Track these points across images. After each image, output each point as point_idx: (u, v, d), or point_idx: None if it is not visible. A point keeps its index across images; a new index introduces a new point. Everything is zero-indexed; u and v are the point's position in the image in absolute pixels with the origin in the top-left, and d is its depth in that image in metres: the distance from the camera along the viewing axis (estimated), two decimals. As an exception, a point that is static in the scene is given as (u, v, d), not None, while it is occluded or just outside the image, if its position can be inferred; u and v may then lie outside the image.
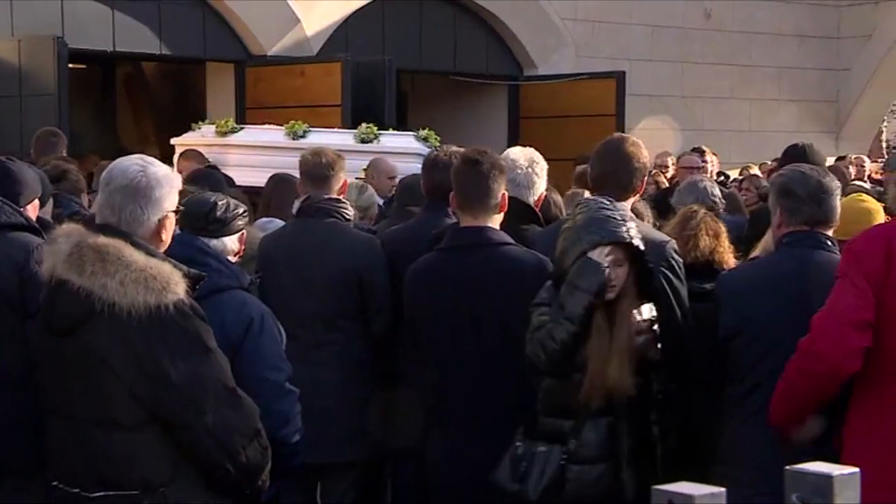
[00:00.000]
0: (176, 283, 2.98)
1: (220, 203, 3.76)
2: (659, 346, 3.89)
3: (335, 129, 9.48)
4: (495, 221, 4.17)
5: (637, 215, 4.85)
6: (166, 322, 2.96)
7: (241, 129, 9.21)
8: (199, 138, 9.14)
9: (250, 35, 12.05)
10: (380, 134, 8.86)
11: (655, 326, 3.89)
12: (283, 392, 3.60)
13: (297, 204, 5.33)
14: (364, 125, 9.05)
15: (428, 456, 4.26)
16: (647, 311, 3.91)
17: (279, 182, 6.40)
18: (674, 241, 4.35)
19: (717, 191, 6.46)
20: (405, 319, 4.43)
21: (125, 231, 3.10)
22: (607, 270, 3.74)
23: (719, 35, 14.96)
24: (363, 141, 8.83)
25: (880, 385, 3.52)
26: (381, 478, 5.56)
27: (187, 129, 9.49)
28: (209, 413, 3.00)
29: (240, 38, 12.10)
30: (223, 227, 3.73)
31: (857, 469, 1.41)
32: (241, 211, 3.82)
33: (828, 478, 1.38)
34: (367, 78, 10.88)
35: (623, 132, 11.46)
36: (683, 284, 4.17)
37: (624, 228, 3.78)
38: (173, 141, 9.35)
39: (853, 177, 9.81)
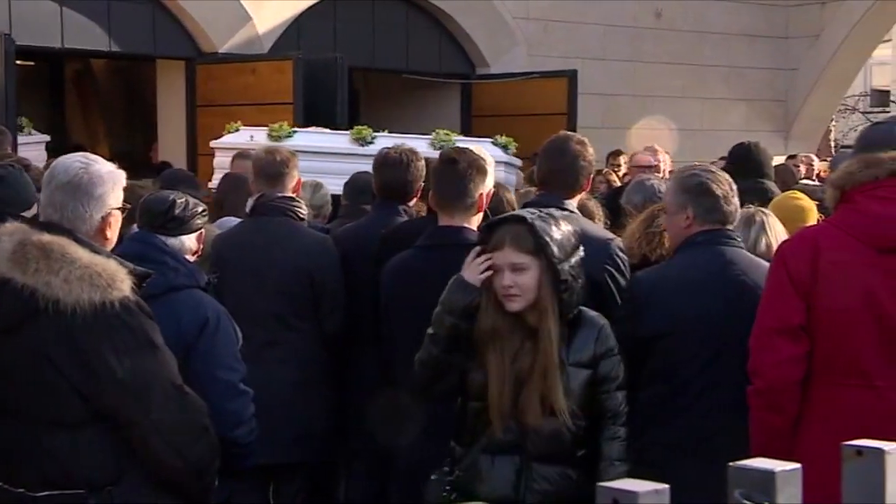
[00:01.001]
0: (121, 281, 2.96)
1: (178, 202, 3.76)
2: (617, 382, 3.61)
3: (407, 135, 9.06)
4: (473, 221, 4.15)
5: (587, 214, 4.88)
6: (111, 319, 2.94)
7: (296, 132, 8.99)
8: (247, 142, 8.80)
9: (201, 32, 11.96)
10: (457, 140, 8.63)
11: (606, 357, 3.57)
12: (236, 392, 3.58)
13: (250, 202, 5.30)
14: (440, 131, 8.85)
15: (404, 460, 4.21)
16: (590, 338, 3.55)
17: (233, 181, 6.36)
18: (619, 239, 4.38)
19: (664, 188, 6.50)
20: (381, 317, 4.39)
21: (69, 228, 3.07)
22: (482, 277, 3.46)
23: (671, 34, 15.05)
24: (440, 148, 8.70)
25: (808, 387, 3.55)
26: (334, 478, 5.55)
27: (137, 127, 9.43)
28: (155, 410, 2.99)
29: (190, 35, 12.01)
30: (181, 225, 3.73)
31: (798, 465, 1.42)
32: (199, 210, 3.82)
33: (770, 474, 1.38)
34: (319, 76, 10.84)
35: (575, 131, 11.52)
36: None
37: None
38: (213, 143, 9.16)
39: (803, 175, 9.91)
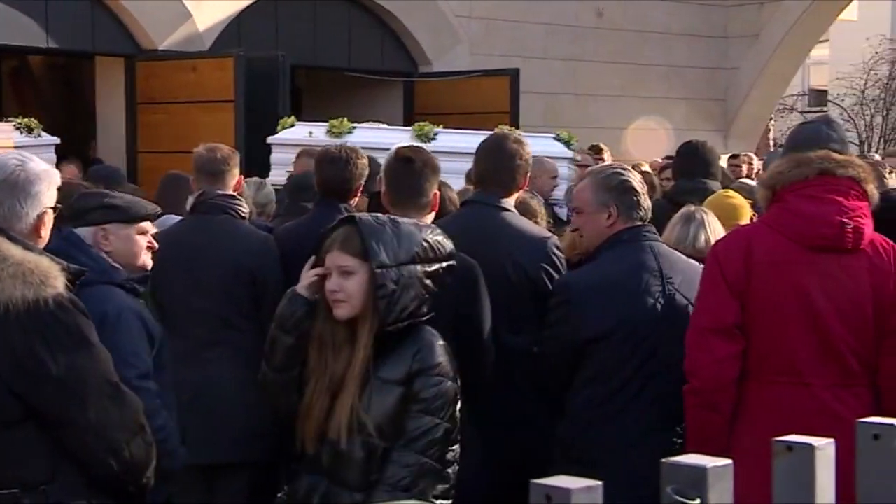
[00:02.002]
0: (55, 278, 2.94)
1: (81, 195, 3.74)
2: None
3: (467, 130, 8.93)
4: (426, 220, 4.12)
5: (529, 212, 4.90)
6: (45, 317, 2.91)
7: (356, 128, 8.87)
8: (305, 138, 8.73)
9: (140, 29, 11.86)
10: (520, 136, 8.59)
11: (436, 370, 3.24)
12: (130, 388, 3.53)
13: (190, 200, 5.26)
14: (504, 126, 8.69)
15: None
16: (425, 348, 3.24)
17: (172, 179, 6.31)
18: (556, 237, 4.41)
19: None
20: None
21: (1, 226, 3.04)
22: (307, 283, 3.30)
23: (612, 34, 15.14)
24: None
25: (743, 385, 3.59)
26: (276, 478, 5.52)
27: (76, 124, 9.32)
28: (91, 408, 2.96)
29: (130, 32, 11.90)
30: (78, 218, 3.70)
31: (730, 461, 1.44)
32: (96, 204, 3.78)
33: (702, 470, 1.40)
34: (261, 74, 10.79)
35: (518, 129, 11.55)
36: None
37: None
38: (270, 139, 9.02)
39: (744, 174, 10.01)
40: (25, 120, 9.18)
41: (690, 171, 6.26)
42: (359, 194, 5.23)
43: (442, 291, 3.29)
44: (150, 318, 3.76)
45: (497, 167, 4.39)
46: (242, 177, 5.51)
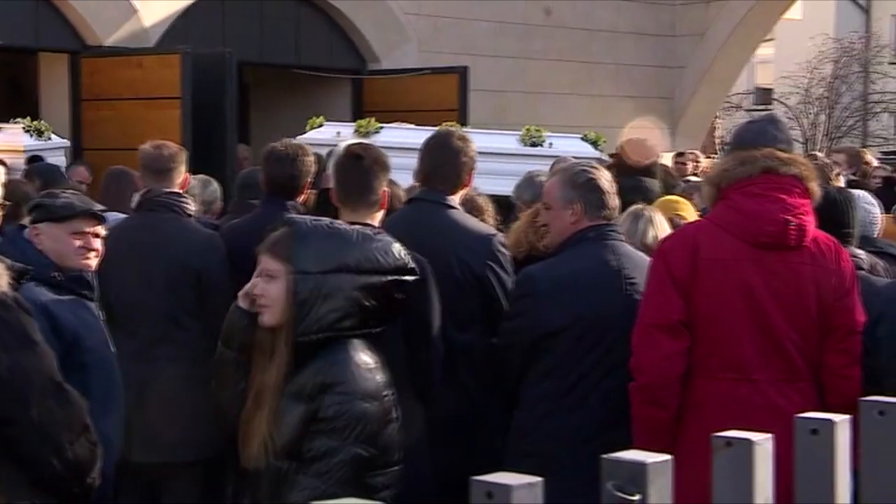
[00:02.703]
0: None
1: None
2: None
3: (492, 131, 8.89)
4: (376, 218, 4.12)
5: (476, 209, 4.91)
6: None
7: (383, 128, 8.84)
8: (333, 138, 8.59)
9: (85, 25, 11.73)
10: (548, 137, 8.55)
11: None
12: None
13: (136, 198, 5.23)
14: (531, 127, 8.72)
15: None
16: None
17: (115, 176, 6.26)
18: (501, 234, 4.42)
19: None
20: None
21: None
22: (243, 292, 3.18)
23: (560, 32, 15.18)
24: (532, 144, 8.60)
25: (689, 382, 3.62)
26: (223, 478, 5.49)
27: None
28: (35, 408, 2.93)
29: (74, 27, 11.77)
30: None
31: (669, 457, 1.45)
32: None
33: (641, 465, 1.41)
34: (208, 70, 10.71)
35: (466, 127, 11.55)
36: (510, 276, 4.23)
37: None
38: (298, 139, 8.95)
39: (689, 172, 10.07)
40: (35, 122, 8.99)
41: (627, 169, 6.31)
42: (306, 192, 5.21)
43: (383, 306, 3.07)
44: (70, 316, 3.71)
45: (442, 164, 4.40)
46: (189, 174, 5.48)
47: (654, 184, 6.21)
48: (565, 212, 4.05)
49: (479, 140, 8.35)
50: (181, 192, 5.22)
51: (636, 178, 6.10)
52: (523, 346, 4.00)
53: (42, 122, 9.01)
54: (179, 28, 12.23)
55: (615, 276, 3.96)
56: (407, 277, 3.11)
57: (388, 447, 3.06)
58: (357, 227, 3.31)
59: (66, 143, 9.09)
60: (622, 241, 4.08)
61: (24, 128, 8.75)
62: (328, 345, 3.05)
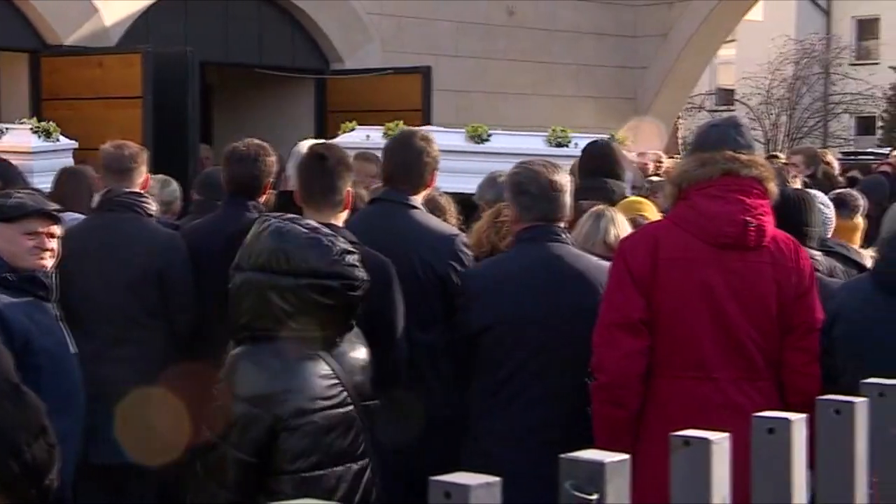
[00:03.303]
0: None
1: None
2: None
3: (522, 133, 8.83)
4: (339, 218, 4.12)
5: (438, 209, 4.91)
6: None
7: None
8: (363, 141, 8.64)
9: (45, 24, 11.63)
10: (573, 137, 8.45)
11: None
12: None
13: (97, 197, 5.20)
14: (557, 127, 8.65)
15: None
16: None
17: (70, 175, 6.21)
18: (463, 234, 4.43)
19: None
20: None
21: None
22: None
23: (522, 32, 15.21)
24: (558, 145, 8.52)
25: (650, 381, 3.64)
26: (181, 479, 5.47)
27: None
28: None
29: (34, 27, 11.67)
30: None
31: (627, 456, 1.45)
32: None
33: (599, 465, 1.41)
34: (170, 70, 10.64)
35: (430, 126, 11.53)
36: None
37: None
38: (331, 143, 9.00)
39: (651, 172, 10.10)
40: (42, 123, 8.86)
41: (593, 170, 6.31)
42: (267, 191, 5.20)
43: (309, 310, 3.01)
44: (23, 318, 3.67)
45: (404, 164, 4.40)
46: (150, 175, 5.45)
47: (620, 185, 6.22)
48: (511, 213, 4.14)
49: (505, 141, 8.52)
50: (142, 192, 5.19)
51: (600, 180, 6.11)
52: (462, 343, 4.08)
53: (51, 122, 8.87)
54: (140, 27, 12.16)
55: (540, 278, 3.99)
56: (329, 282, 3.01)
57: (291, 452, 3.03)
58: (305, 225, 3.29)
59: (75, 143, 8.97)
60: (560, 241, 4.07)
61: (31, 129, 8.63)
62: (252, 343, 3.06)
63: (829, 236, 4.96)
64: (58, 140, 8.76)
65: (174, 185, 6.36)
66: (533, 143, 8.40)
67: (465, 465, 3.93)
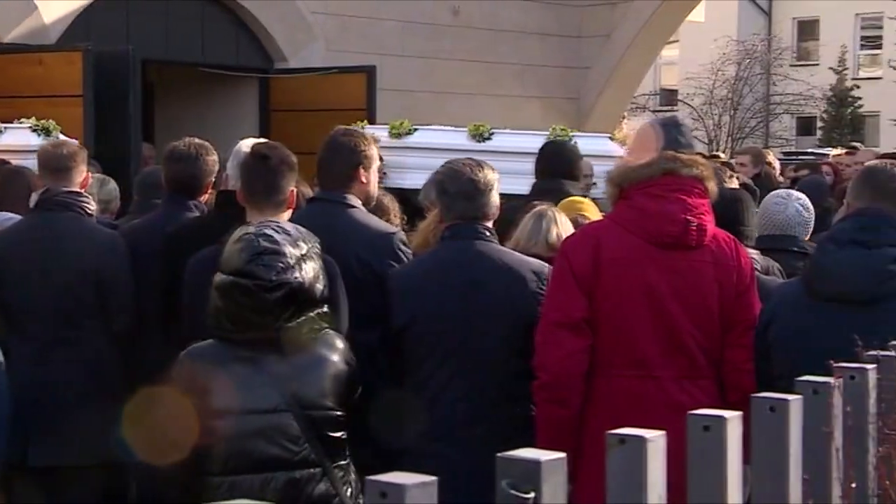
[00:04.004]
0: None
1: None
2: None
3: (524, 131, 8.87)
4: (282, 217, 4.08)
5: (381, 209, 4.90)
6: None
7: (416, 129, 8.87)
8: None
9: (-17, 21, 11.49)
10: (573, 135, 8.37)
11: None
12: None
13: (34, 197, 5.13)
14: (556, 126, 8.63)
15: None
16: None
17: (8, 174, 6.12)
18: (402, 233, 4.42)
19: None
20: (184, 313, 4.22)
21: None
22: None
23: (467, 32, 15.23)
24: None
25: (592, 379, 3.65)
26: (125, 480, 5.42)
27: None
28: None
29: (-28, 24, 11.53)
30: None
31: (563, 454, 1.46)
32: None
33: (535, 463, 1.41)
34: (111, 68, 10.54)
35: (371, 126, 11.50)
36: None
37: None
38: None
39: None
40: (42, 122, 8.69)
41: (550, 171, 6.32)
42: (208, 191, 5.16)
43: (234, 310, 3.09)
44: None
45: (335, 161, 4.38)
46: (90, 174, 5.40)
47: (577, 186, 6.23)
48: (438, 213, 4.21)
49: (507, 140, 8.55)
50: (81, 191, 5.14)
51: (557, 181, 6.11)
52: (387, 342, 4.12)
53: (51, 120, 8.70)
54: (81, 25, 12.04)
55: (460, 275, 4.02)
56: (243, 281, 3.05)
57: (209, 454, 3.07)
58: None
59: (75, 143, 8.85)
60: (483, 240, 4.08)
61: (30, 127, 8.49)
62: None
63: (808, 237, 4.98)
64: (58, 138, 8.63)
65: (112, 185, 6.30)
66: (535, 143, 8.46)
67: (398, 463, 3.96)
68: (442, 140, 8.73)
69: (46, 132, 8.43)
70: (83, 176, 5.24)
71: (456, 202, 4.07)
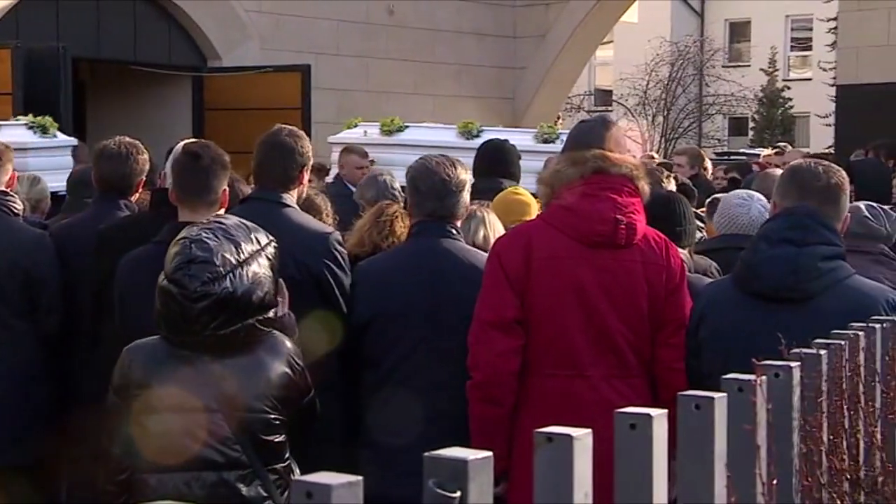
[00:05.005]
0: None
1: None
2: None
3: (517, 129, 9.18)
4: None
5: (314, 208, 4.88)
6: None
7: (407, 127, 8.99)
8: (360, 137, 8.92)
9: (-90, 18, 11.30)
10: (562, 133, 8.39)
11: None
12: None
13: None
14: (544, 124, 8.70)
15: None
16: None
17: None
18: (337, 232, 4.42)
19: (396, 184, 6.57)
20: (117, 312, 4.17)
21: None
22: None
23: (403, 31, 15.24)
24: (545, 141, 8.53)
25: (525, 379, 3.67)
26: (55, 481, 5.36)
27: None
28: None
29: None
30: None
31: (490, 453, 1.46)
32: None
33: (462, 462, 1.41)
34: (41, 65, 10.43)
35: (309, 125, 11.50)
36: (347, 275, 4.24)
37: None
38: (330, 139, 9.23)
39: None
40: (39, 118, 8.40)
41: (489, 170, 6.33)
42: (140, 190, 5.12)
43: (164, 312, 3.09)
44: None
45: (273, 161, 4.36)
46: (16, 172, 5.33)
47: (513, 185, 6.24)
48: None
49: (494, 137, 8.63)
50: (7, 190, 5.08)
51: (496, 180, 6.12)
52: (353, 336, 4.12)
53: (47, 118, 8.50)
54: (10, 23, 11.88)
55: (421, 271, 4.05)
56: (169, 287, 3.03)
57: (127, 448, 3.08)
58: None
59: (74, 140, 8.65)
60: (447, 237, 4.12)
61: (27, 125, 8.30)
62: None
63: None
64: (55, 136, 8.47)
65: (43, 184, 6.23)
66: (522, 140, 8.56)
67: (353, 459, 3.96)
68: (432, 137, 8.96)
69: (43, 130, 8.28)
70: (9, 175, 5.17)
71: (426, 200, 4.10)
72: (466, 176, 4.18)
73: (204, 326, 3.02)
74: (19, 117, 8.69)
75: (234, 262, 3.03)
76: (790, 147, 13.09)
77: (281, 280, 3.27)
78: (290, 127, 4.54)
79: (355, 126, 9.49)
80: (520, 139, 8.69)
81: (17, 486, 5.00)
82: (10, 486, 4.99)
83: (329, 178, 8.64)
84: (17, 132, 8.14)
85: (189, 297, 2.99)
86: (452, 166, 4.15)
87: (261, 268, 3.10)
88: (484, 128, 9.07)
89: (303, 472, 3.09)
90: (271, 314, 3.14)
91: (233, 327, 3.03)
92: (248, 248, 3.10)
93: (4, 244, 4.90)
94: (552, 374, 3.65)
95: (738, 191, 5.82)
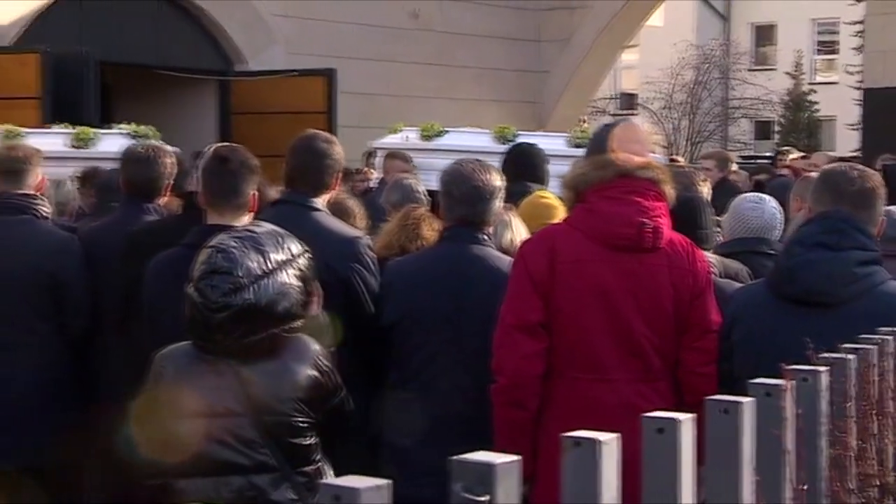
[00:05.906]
0: None
1: None
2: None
3: (550, 133, 9.17)
4: (243, 220, 4.06)
5: (344, 212, 4.89)
6: None
7: (446, 132, 9.24)
8: (401, 142, 9.14)
9: (-62, 23, 11.39)
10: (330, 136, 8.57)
11: None
12: None
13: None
14: (577, 129, 8.91)
15: None
16: None
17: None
18: (367, 237, 4.43)
19: (421, 188, 6.58)
20: (145, 316, 4.20)
21: None
22: None
23: (426, 35, 15.26)
24: (577, 146, 8.54)
25: (549, 382, 3.67)
26: (79, 483, 5.39)
27: None
28: None
29: (-73, 26, 11.42)
30: None
31: (518, 457, 1.46)
32: None
33: (489, 466, 1.41)
34: (67, 70, 10.49)
35: (334, 129, 11.53)
36: (377, 279, 4.25)
37: None
38: (373, 144, 9.48)
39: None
40: (142, 128, 8.44)
41: (516, 173, 6.33)
42: (167, 194, 5.14)
43: (190, 318, 3.08)
44: None
45: (306, 166, 4.38)
46: (45, 176, 5.36)
47: (542, 189, 6.23)
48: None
49: (455, 138, 8.72)
50: (36, 193, 5.11)
51: (523, 184, 6.12)
52: (380, 336, 4.16)
53: (150, 127, 8.54)
54: (37, 27, 11.96)
55: (450, 275, 4.07)
56: (192, 294, 3.03)
57: None
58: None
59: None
60: (478, 243, 4.13)
61: (129, 133, 8.33)
62: None
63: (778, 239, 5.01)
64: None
65: (69, 187, 6.27)
66: (555, 144, 8.67)
67: (374, 460, 3.97)
68: (469, 142, 9.18)
69: (145, 139, 8.16)
70: (38, 179, 5.20)
71: (458, 206, 4.12)
72: (500, 181, 4.19)
73: (226, 335, 3.02)
74: (122, 126, 8.70)
75: (259, 272, 3.02)
76: (795, 152, 12.98)
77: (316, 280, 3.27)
78: (324, 133, 4.57)
79: (399, 132, 9.65)
80: (552, 143, 8.80)
81: (39, 488, 5.03)
82: (33, 488, 5.02)
83: (373, 183, 8.80)
84: (120, 142, 8.07)
85: (210, 308, 3.00)
86: (487, 172, 4.17)
87: (289, 278, 3.07)
88: (519, 132, 9.17)
89: (336, 473, 3.12)
90: (297, 324, 3.13)
91: (256, 336, 3.03)
92: (276, 257, 3.07)
93: (30, 247, 4.93)
94: (576, 377, 3.65)
95: (748, 193, 5.80)
